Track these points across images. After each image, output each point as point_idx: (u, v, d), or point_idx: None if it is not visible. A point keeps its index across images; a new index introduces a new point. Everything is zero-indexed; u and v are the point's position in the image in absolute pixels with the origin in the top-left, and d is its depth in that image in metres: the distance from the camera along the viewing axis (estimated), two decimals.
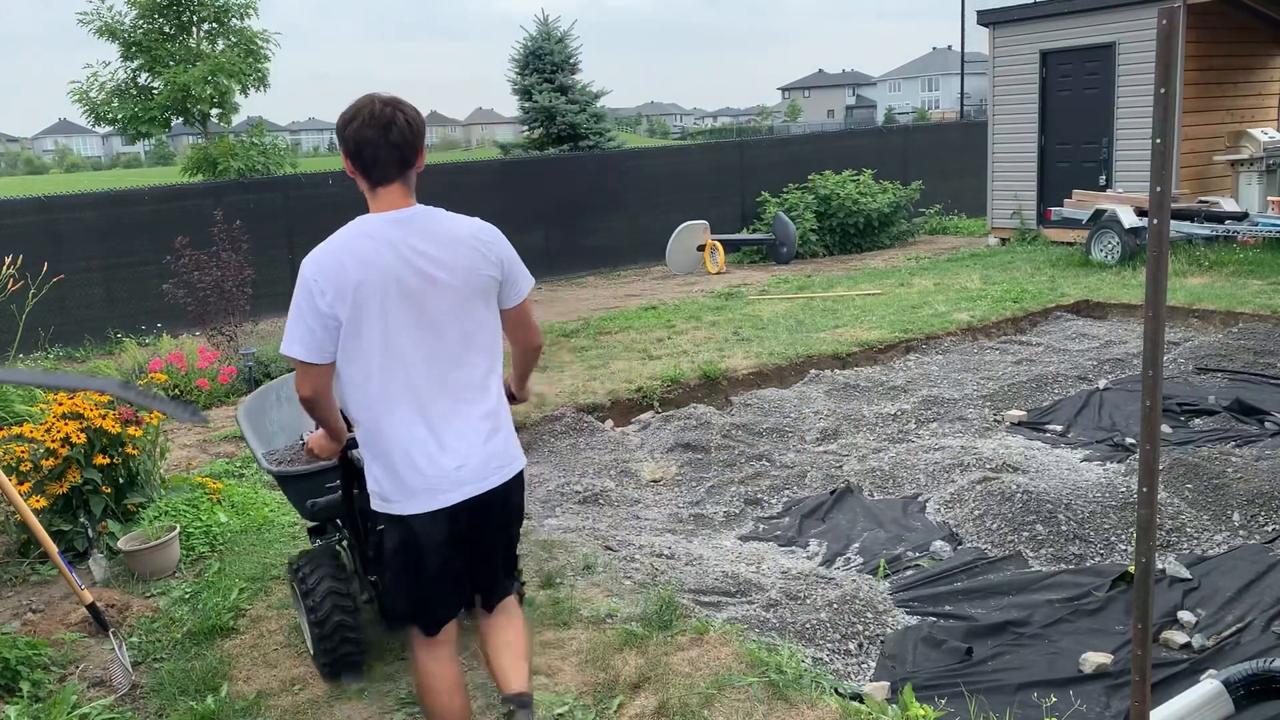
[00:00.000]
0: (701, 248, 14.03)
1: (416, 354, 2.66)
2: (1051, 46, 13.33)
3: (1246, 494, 4.81)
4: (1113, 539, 4.54)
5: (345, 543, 3.77)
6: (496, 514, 2.83)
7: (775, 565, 4.48)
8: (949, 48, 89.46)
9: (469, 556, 2.83)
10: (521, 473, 2.88)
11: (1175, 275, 10.28)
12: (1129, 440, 5.96)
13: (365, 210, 2.72)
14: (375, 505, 2.79)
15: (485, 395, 2.77)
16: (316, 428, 3.00)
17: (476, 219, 2.81)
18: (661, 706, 3.15)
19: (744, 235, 15.00)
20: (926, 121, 51.19)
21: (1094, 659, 3.56)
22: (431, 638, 2.85)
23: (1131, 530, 4.54)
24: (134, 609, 4.17)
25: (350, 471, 3.30)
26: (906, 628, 3.88)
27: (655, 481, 5.83)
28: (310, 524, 3.86)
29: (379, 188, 2.69)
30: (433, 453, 2.68)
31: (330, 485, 3.51)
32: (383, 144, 2.62)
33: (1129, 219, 11.24)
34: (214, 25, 15.08)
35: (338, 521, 3.74)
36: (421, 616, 2.83)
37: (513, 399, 3.06)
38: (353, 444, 3.02)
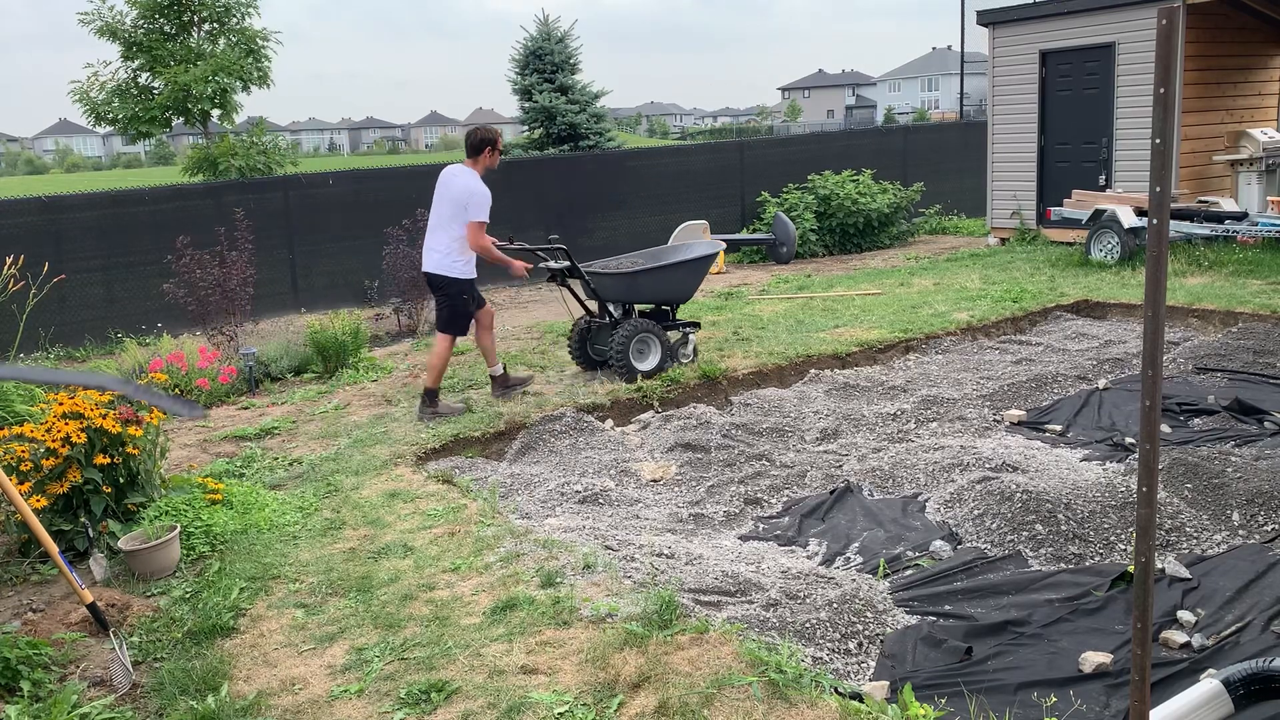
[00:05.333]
0: None
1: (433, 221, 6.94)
2: (1051, 46, 13.33)
3: (1246, 494, 4.81)
4: (1112, 539, 4.54)
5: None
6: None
7: (775, 565, 4.48)
8: (949, 48, 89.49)
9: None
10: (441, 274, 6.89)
11: (1175, 275, 10.29)
12: (1128, 440, 5.97)
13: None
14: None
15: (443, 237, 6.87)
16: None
17: (471, 175, 6.74)
18: (661, 706, 3.15)
19: (744, 235, 14.99)
20: (926, 121, 51.19)
21: (1094, 658, 3.57)
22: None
23: (1131, 530, 4.54)
24: (134, 609, 4.18)
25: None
26: (906, 627, 3.88)
27: (655, 481, 5.83)
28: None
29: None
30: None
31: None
32: (466, 143, 6.98)
33: (1128, 219, 11.24)
34: (215, 25, 15.09)
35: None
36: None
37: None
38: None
